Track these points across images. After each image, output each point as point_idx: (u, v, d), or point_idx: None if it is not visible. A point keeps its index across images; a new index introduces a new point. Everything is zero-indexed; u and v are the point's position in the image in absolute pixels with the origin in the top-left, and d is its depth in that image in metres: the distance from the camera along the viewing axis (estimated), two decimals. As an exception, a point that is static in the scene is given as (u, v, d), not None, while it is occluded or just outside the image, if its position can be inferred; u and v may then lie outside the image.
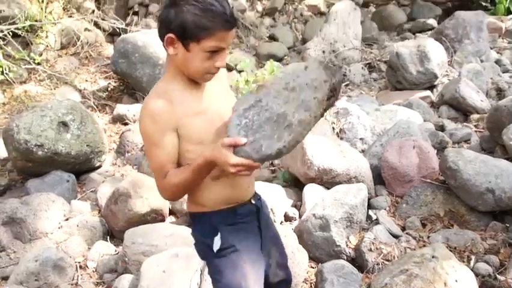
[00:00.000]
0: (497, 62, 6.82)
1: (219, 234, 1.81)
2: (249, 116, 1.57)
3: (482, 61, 6.54)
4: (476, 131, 4.72)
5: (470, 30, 6.67)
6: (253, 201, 1.90)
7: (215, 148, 1.57)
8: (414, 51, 5.61)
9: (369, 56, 7.22)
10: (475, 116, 5.02)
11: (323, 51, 6.67)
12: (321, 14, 9.54)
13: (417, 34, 8.79)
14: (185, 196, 1.85)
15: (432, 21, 9.43)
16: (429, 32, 7.93)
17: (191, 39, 1.58)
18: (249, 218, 1.89)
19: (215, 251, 1.81)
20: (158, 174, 1.70)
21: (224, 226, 1.82)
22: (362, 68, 6.66)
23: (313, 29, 8.09)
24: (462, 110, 5.12)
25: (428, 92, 5.59)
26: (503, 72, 6.51)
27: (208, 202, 1.81)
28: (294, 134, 1.51)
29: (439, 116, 5.14)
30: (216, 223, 1.82)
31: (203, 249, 1.90)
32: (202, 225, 1.86)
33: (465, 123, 4.97)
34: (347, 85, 6.31)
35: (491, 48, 7.22)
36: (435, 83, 5.70)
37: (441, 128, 4.74)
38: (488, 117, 4.33)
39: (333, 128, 4.19)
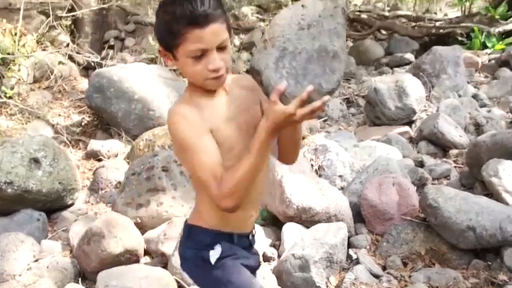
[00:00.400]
0: (475, 96, 6.96)
1: (219, 245, 1.71)
2: (286, 65, 1.47)
3: (459, 96, 6.68)
4: (455, 167, 4.79)
5: (447, 65, 6.82)
6: (250, 236, 1.83)
7: (268, 114, 1.46)
8: (393, 86, 5.70)
9: (347, 90, 7.32)
10: (454, 152, 5.09)
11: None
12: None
13: (394, 68, 8.96)
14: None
15: (409, 56, 9.64)
16: (407, 67, 8.08)
17: (171, 47, 1.54)
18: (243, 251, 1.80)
19: (213, 262, 1.70)
20: (212, 182, 1.53)
21: (224, 242, 1.73)
22: (340, 103, 6.74)
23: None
24: (441, 146, 5.19)
25: (406, 128, 5.67)
26: (481, 107, 6.64)
27: (211, 220, 1.72)
28: (342, 61, 1.49)
29: (418, 152, 5.20)
30: (215, 238, 1.72)
31: (196, 264, 1.76)
32: (200, 237, 1.74)
33: (444, 159, 5.04)
34: (325, 120, 6.36)
35: (468, 83, 7.39)
36: (414, 118, 5.79)
37: (421, 164, 4.79)
38: (468, 153, 4.40)
39: (312, 165, 4.20)
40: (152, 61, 7.79)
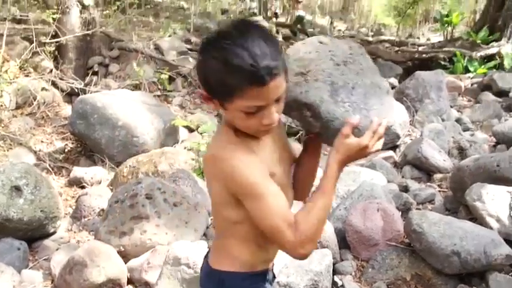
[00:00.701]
0: (458, 120, 7.07)
1: None
2: (345, 100, 1.48)
3: (443, 120, 6.78)
4: (439, 191, 4.84)
5: (430, 89, 6.94)
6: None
7: (339, 147, 1.43)
8: (376, 111, 5.76)
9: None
10: (438, 176, 5.15)
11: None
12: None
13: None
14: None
15: (393, 80, 9.78)
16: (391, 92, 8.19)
17: (221, 98, 1.38)
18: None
19: None
20: (286, 229, 1.37)
21: (262, 283, 1.64)
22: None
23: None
24: (425, 170, 5.24)
25: (391, 152, 5.72)
26: (464, 131, 6.74)
27: (248, 261, 1.59)
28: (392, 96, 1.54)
29: (403, 177, 5.24)
30: (255, 281, 1.62)
31: None
32: (238, 282, 1.60)
33: (428, 183, 5.09)
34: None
35: (451, 107, 7.50)
36: (398, 143, 5.85)
37: (405, 189, 4.83)
38: (451, 178, 4.44)
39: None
40: (136, 87, 7.81)
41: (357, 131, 1.44)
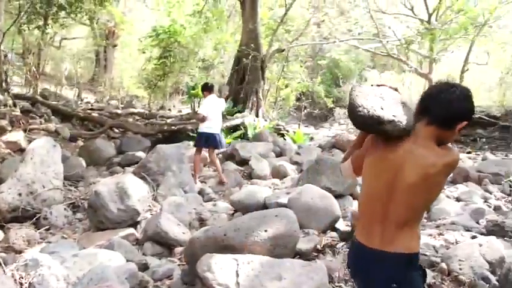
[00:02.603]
0: (200, 192, 7.51)
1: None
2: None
3: (185, 192, 7.13)
4: (179, 265, 5.00)
5: (172, 162, 7.29)
6: None
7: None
8: (114, 188, 5.82)
9: (74, 194, 7.24)
10: (178, 249, 5.34)
11: (19, 194, 6.42)
12: (22, 151, 9.33)
13: (126, 168, 9.21)
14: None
15: (141, 154, 10.07)
16: (134, 167, 8.38)
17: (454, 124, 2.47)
18: None
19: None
20: None
21: None
22: (65, 209, 6.59)
23: (11, 168, 7.81)
24: (166, 245, 5.40)
25: (132, 230, 5.77)
26: (207, 201, 7.18)
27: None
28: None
29: (144, 254, 5.31)
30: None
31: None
32: (418, 260, 2.49)
33: (169, 258, 5.24)
34: (47, 229, 6.14)
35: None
36: (139, 219, 5.94)
37: (145, 267, 4.89)
38: (185, 251, 4.66)
39: (21, 284, 3.99)
40: None
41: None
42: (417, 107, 2.49)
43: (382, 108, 2.35)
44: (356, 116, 2.36)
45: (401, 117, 2.36)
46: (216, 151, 9.21)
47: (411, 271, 2.44)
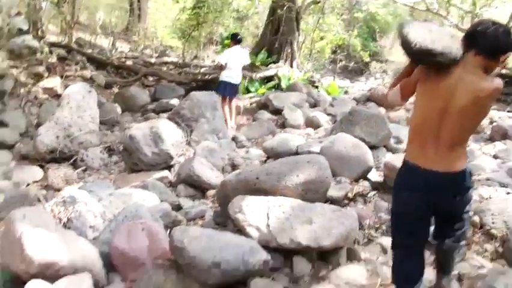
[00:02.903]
0: (234, 138, 7.58)
1: None
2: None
3: (219, 138, 7.21)
4: (211, 207, 5.13)
5: (206, 109, 7.35)
6: None
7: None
8: (148, 132, 5.93)
9: (110, 138, 7.40)
10: (211, 192, 5.47)
11: (57, 136, 6.61)
12: (59, 96, 9.51)
13: (160, 114, 9.34)
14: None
15: (175, 101, 10.16)
16: (168, 113, 8.49)
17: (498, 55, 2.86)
18: None
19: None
20: None
21: None
22: (101, 151, 6.77)
23: (48, 112, 8.01)
24: (199, 188, 5.53)
25: (166, 172, 5.92)
26: (240, 148, 7.25)
27: None
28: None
29: (177, 195, 5.45)
30: None
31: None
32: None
33: (202, 200, 5.37)
34: (84, 170, 6.33)
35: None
36: (172, 163, 6.08)
37: (178, 207, 5.03)
38: (217, 193, 4.77)
39: (60, 218, 4.16)
40: None
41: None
42: (464, 40, 2.82)
43: (433, 42, 2.70)
44: (411, 51, 2.76)
45: (450, 49, 2.72)
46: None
47: (464, 183, 2.96)
